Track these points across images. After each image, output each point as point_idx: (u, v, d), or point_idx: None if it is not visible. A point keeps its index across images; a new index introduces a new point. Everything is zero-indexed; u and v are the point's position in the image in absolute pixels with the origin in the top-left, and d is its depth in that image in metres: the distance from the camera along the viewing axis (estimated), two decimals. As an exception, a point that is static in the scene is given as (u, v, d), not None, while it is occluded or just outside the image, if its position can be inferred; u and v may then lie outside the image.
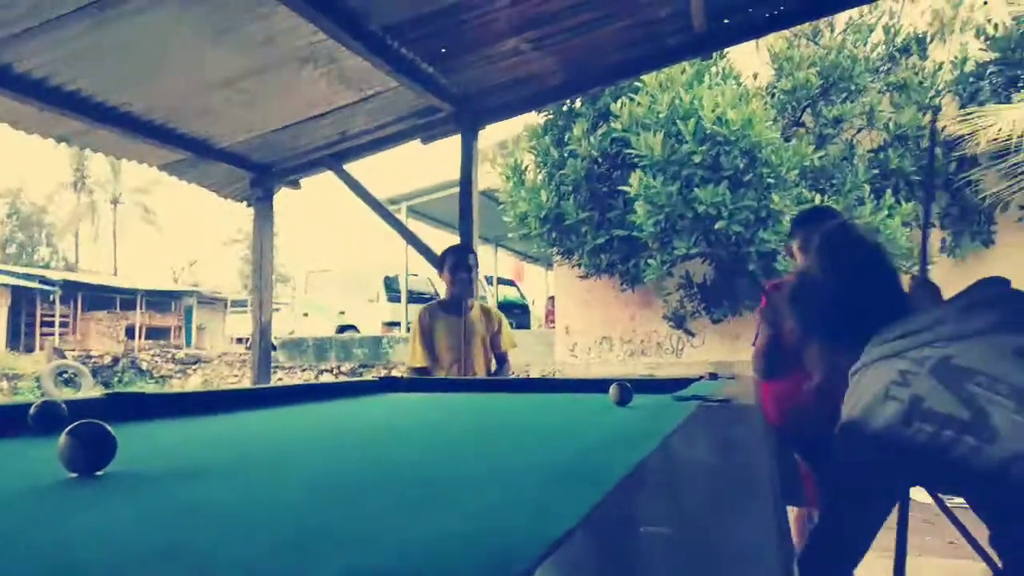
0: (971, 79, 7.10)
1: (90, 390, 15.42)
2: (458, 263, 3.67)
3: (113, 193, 42.59)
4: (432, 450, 1.19)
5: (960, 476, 1.27)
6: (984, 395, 1.22)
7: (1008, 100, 6.81)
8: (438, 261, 3.80)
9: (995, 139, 5.63)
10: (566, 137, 7.91)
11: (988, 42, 6.93)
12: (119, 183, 42.36)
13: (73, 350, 19.82)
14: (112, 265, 41.76)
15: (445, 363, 3.60)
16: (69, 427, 0.87)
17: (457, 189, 4.84)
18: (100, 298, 26.44)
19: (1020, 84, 6.86)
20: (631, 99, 7.18)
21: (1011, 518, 1.24)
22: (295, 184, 5.99)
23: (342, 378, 12.66)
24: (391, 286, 16.40)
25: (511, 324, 14.05)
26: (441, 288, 4.62)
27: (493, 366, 3.82)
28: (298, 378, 14.56)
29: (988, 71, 7.01)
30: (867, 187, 6.85)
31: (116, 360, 18.07)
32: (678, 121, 6.74)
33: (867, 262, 1.61)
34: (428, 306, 3.80)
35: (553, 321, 12.27)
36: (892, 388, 1.32)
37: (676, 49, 4.42)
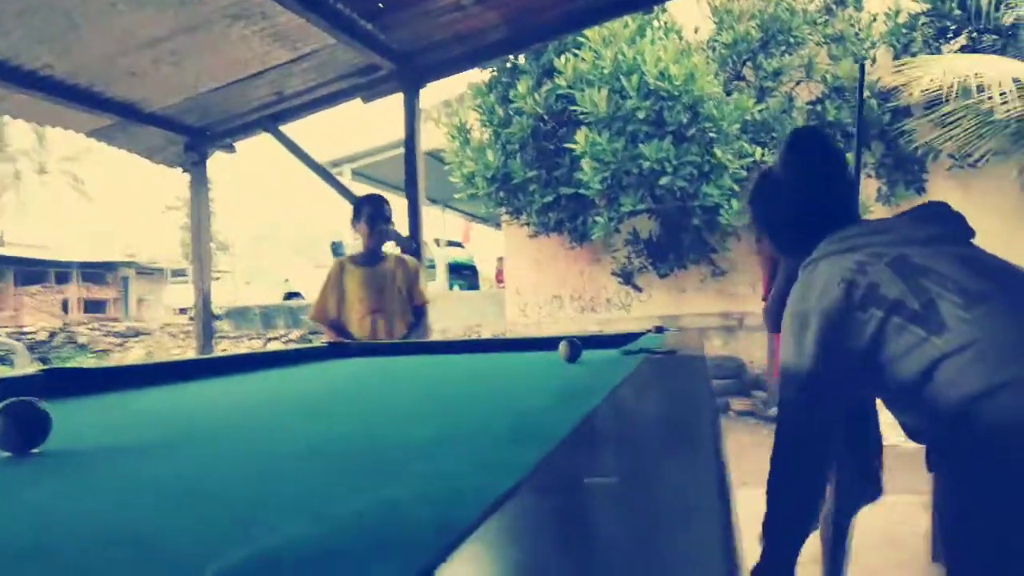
0: (904, 30, 7.25)
1: (26, 367, 14.91)
2: (376, 213, 3.57)
3: (40, 162, 40.68)
4: (380, 415, 1.19)
5: (891, 379, 1.31)
6: (935, 289, 1.27)
7: (938, 51, 6.98)
8: (354, 211, 3.68)
9: (927, 89, 5.78)
10: (511, 95, 7.82)
11: (919, -7, 7.08)
12: (45, 151, 40.45)
13: (6, 326, 19.11)
14: (43, 237, 40.12)
15: (356, 315, 3.52)
16: (-1, 405, 0.84)
17: (402, 150, 4.76)
18: (32, 272, 25.47)
19: (949, 35, 7.03)
20: (575, 55, 7.13)
21: (938, 421, 1.27)
22: (230, 148, 5.81)
23: (291, 346, 12.52)
24: (337, 251, 16.18)
25: (461, 286, 14.02)
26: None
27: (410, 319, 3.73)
28: (245, 347, 14.34)
29: (920, 22, 7.16)
30: (806, 139, 6.98)
31: (52, 335, 17.48)
32: (622, 77, 6.72)
33: (830, 165, 1.63)
34: (340, 259, 3.71)
35: (503, 281, 12.30)
36: (848, 274, 1.36)
37: (618, 2, 4.39)
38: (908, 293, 1.30)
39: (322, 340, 3.13)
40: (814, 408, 1.43)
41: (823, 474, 1.47)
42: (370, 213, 3.57)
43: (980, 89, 5.46)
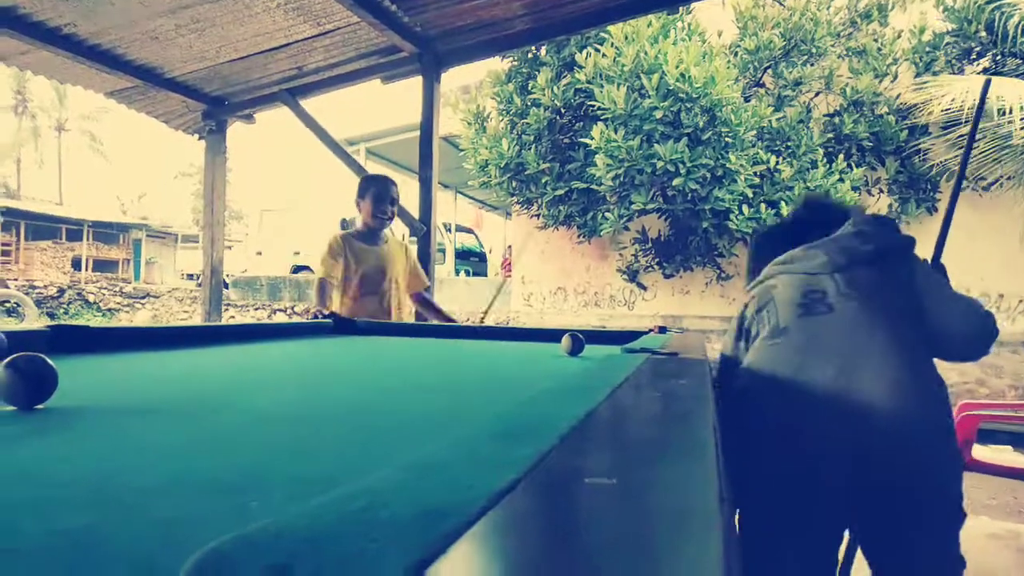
0: (928, 48, 7.19)
1: (34, 321, 15.00)
2: (382, 194, 3.47)
3: (58, 119, 40.77)
4: (378, 395, 1.20)
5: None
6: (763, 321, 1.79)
7: (961, 71, 6.93)
8: (359, 188, 3.54)
9: (947, 109, 5.74)
10: (530, 85, 7.80)
11: (946, 13, 7.01)
12: (65, 108, 40.53)
13: (16, 279, 19.19)
14: (57, 194, 40.22)
15: (354, 292, 3.38)
16: (7, 359, 0.85)
17: (417, 133, 4.76)
18: (44, 227, 25.54)
19: (973, 56, 6.98)
20: (596, 50, 7.09)
21: None
22: (249, 119, 5.82)
23: (295, 318, 12.55)
24: (346, 228, 16.17)
25: (468, 272, 14.06)
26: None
27: (410, 309, 3.69)
28: (251, 317, 14.39)
29: (944, 41, 7.10)
30: (820, 151, 6.95)
31: (62, 291, 17.57)
32: (642, 75, 6.70)
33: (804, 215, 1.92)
34: (342, 233, 3.55)
35: (509, 270, 12.29)
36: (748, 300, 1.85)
37: (646, 0, 4.37)
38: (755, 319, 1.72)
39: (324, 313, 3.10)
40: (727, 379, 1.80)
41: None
42: (376, 193, 3.48)
43: (1001, 112, 5.43)
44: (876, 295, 1.54)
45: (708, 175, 6.71)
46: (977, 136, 5.74)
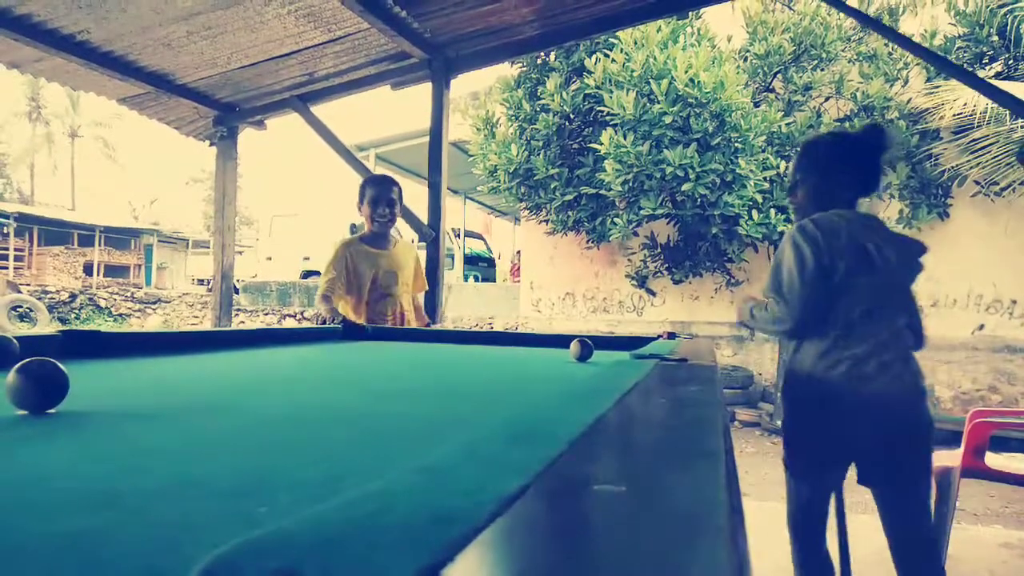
0: (939, 53, 7.14)
1: (46, 326, 15.12)
2: (377, 196, 3.31)
3: (71, 125, 41.16)
4: (387, 400, 1.20)
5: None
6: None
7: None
8: (359, 192, 3.40)
9: (959, 113, 5.71)
10: (539, 91, 7.81)
11: (957, 17, 6.96)
12: (78, 115, 40.93)
13: (28, 285, 19.35)
14: (70, 199, 40.57)
15: (366, 299, 3.31)
16: (19, 364, 0.86)
17: (427, 138, 4.77)
18: (57, 233, 25.76)
19: (985, 60, 6.94)
20: (605, 55, 7.09)
21: None
22: (260, 125, 5.85)
23: (305, 324, 12.56)
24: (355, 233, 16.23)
25: (476, 278, 14.04)
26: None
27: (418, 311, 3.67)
28: (260, 322, 14.44)
29: (956, 46, 7.06)
30: (832, 156, 6.90)
31: (73, 296, 17.70)
32: (651, 80, 6.69)
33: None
34: (348, 239, 3.41)
35: (518, 275, 12.31)
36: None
37: (653, 5, 4.37)
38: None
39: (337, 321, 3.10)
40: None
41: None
42: (373, 196, 3.32)
43: (1014, 117, 5.39)
44: (895, 299, 2.09)
45: (717, 180, 6.69)
46: (990, 140, 5.73)
